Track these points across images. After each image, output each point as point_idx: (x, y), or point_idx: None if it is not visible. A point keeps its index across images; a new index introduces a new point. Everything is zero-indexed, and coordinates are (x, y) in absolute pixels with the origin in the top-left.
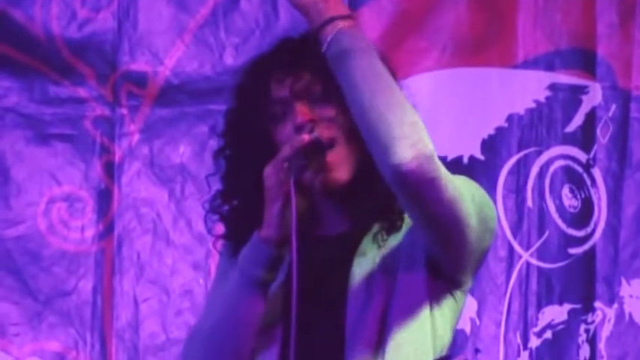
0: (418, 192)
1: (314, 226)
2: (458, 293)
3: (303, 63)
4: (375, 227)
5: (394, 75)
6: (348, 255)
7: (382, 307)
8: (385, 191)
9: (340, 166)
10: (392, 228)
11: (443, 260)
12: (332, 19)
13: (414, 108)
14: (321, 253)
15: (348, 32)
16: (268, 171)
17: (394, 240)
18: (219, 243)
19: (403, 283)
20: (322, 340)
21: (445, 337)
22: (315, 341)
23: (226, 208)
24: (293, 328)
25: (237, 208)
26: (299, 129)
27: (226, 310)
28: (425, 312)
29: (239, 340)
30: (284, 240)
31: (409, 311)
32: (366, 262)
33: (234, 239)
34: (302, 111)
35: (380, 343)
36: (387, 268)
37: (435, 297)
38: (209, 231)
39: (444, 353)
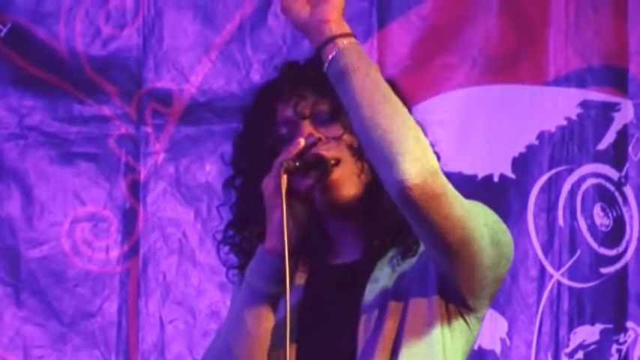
0: (423, 208)
1: (329, 256)
2: (472, 320)
3: (308, 84)
4: (391, 252)
5: (405, 100)
6: (361, 281)
7: (393, 333)
8: (398, 213)
9: (345, 182)
10: (407, 252)
11: (455, 282)
12: (332, 39)
13: (417, 124)
14: (334, 280)
15: (348, 51)
16: (266, 180)
17: (407, 265)
18: (231, 273)
19: (415, 308)
20: None
21: None
22: None
23: (238, 238)
24: (287, 336)
25: (249, 237)
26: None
27: (237, 326)
28: (436, 337)
29: (251, 356)
30: (288, 250)
31: (420, 336)
32: (378, 288)
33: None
34: (307, 130)
35: None
36: (399, 292)
37: (447, 322)
38: (223, 263)
39: None
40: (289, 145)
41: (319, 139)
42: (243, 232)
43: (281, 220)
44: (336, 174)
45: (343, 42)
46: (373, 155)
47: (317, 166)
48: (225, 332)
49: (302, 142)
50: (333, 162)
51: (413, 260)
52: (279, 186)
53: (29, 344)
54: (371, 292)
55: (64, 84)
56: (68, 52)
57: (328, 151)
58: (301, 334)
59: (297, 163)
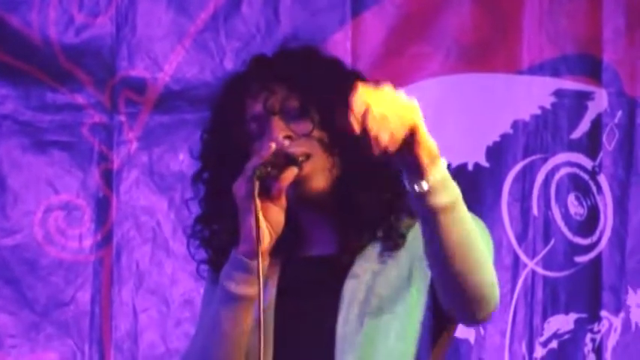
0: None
1: (303, 248)
2: (453, 327)
3: (277, 78)
4: (372, 247)
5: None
6: (340, 276)
7: (373, 331)
8: (375, 208)
9: (315, 176)
10: (393, 247)
11: (456, 308)
12: (423, 173)
13: (489, 260)
14: (310, 274)
15: (440, 187)
16: (237, 184)
17: (393, 268)
18: (202, 268)
19: (400, 318)
20: None
21: None
22: None
23: (207, 233)
24: (261, 343)
25: (218, 232)
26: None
27: (213, 328)
28: (417, 341)
29: (228, 358)
30: (262, 254)
31: (402, 340)
32: (358, 284)
33: (216, 265)
34: (277, 126)
35: None
36: (382, 294)
37: (430, 330)
38: (193, 257)
39: None
40: (260, 149)
41: (289, 136)
42: (212, 226)
43: (253, 226)
44: (307, 168)
45: (433, 176)
46: (449, 288)
47: (288, 166)
48: (202, 335)
49: (273, 146)
50: (302, 158)
51: (398, 261)
52: (251, 192)
53: (2, 333)
54: (349, 289)
55: (37, 72)
56: (41, 41)
57: (298, 147)
58: (279, 333)
59: (269, 169)
